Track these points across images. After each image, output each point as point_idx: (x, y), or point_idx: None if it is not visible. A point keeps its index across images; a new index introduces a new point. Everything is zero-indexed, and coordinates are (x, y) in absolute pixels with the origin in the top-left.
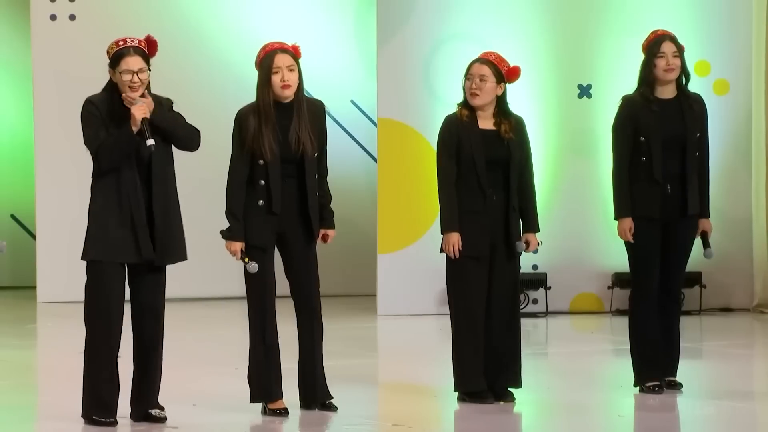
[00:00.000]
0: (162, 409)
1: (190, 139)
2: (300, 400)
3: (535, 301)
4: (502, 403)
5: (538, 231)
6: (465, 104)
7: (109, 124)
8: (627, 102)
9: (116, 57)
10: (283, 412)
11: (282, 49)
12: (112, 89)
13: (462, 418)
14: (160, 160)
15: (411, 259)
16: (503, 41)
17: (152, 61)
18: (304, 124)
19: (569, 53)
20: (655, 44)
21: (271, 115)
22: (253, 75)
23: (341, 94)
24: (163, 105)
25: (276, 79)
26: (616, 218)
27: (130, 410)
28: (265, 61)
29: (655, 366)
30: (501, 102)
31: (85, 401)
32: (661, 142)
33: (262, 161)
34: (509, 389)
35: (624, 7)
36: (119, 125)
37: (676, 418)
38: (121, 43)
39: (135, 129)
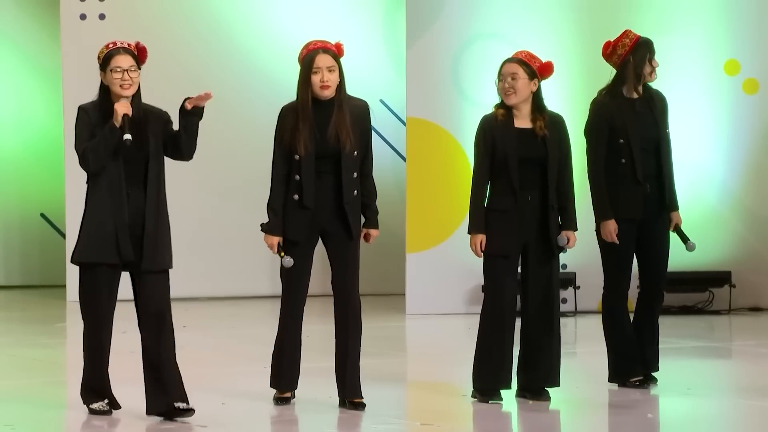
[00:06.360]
0: (187, 402)
1: (193, 149)
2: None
3: (564, 301)
4: (531, 402)
5: (576, 229)
6: (501, 105)
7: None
8: (599, 104)
9: (107, 58)
10: (280, 402)
11: (323, 48)
12: (104, 95)
13: (491, 418)
14: (156, 166)
15: (439, 258)
16: (532, 40)
17: (180, 59)
18: (343, 122)
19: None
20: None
21: (309, 113)
22: (281, 74)
23: (370, 94)
24: (147, 120)
25: (315, 80)
26: (600, 220)
27: (146, 407)
28: (306, 60)
29: (635, 361)
30: (536, 99)
31: (82, 389)
32: (639, 143)
33: (297, 156)
34: (545, 388)
35: (652, 6)
36: None
37: (705, 418)
38: (111, 45)
39: (117, 124)
